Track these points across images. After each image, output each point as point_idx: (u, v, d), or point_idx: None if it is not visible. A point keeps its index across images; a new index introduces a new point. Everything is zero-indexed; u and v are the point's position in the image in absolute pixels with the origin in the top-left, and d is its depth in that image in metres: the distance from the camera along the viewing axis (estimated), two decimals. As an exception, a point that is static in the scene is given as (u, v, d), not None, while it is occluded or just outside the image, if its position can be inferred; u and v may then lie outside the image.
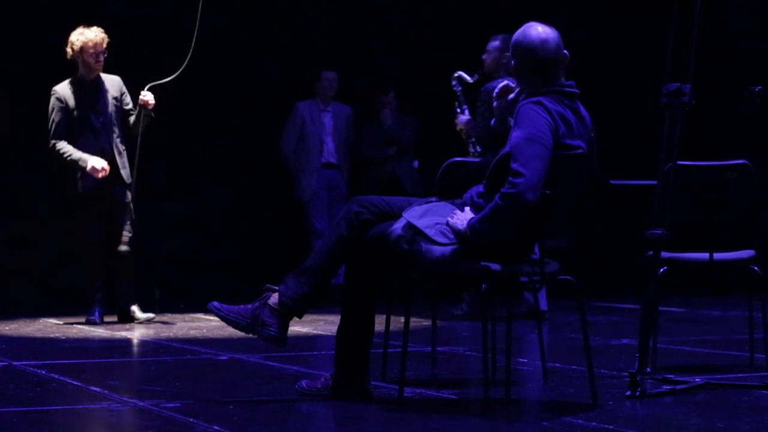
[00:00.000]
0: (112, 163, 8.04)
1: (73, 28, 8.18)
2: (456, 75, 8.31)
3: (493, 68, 8.17)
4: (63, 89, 8.07)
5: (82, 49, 8.01)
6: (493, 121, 4.79)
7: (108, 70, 8.19)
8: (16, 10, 9.88)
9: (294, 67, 10.54)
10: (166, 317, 8.41)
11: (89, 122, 8.03)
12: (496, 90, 4.76)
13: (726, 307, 9.09)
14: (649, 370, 4.76)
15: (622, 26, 11.63)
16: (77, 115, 8.02)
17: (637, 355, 4.73)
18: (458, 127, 8.33)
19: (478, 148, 8.18)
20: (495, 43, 8.20)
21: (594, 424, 4.15)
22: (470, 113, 8.27)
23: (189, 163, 10.31)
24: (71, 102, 8.02)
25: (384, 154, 10.09)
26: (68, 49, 8.06)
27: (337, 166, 10.13)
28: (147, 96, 8.01)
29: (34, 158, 9.84)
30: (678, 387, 4.86)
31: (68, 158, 7.96)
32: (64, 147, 7.96)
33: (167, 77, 8.03)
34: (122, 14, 9.56)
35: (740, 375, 5.40)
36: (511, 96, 4.67)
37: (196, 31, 7.83)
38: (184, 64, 7.86)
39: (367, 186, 9.97)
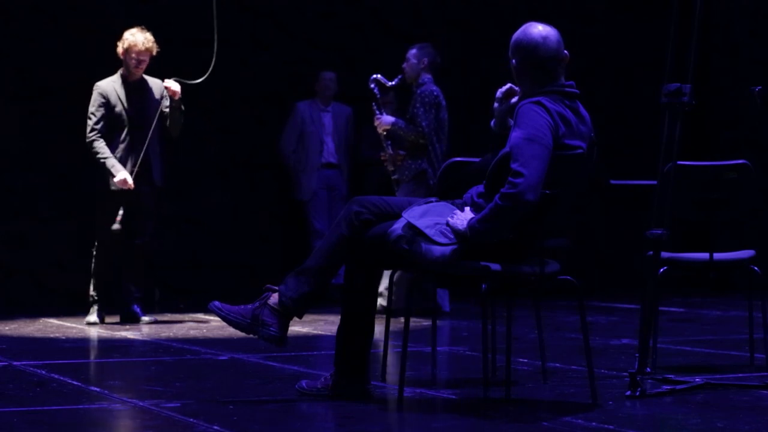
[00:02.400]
0: (144, 163, 8.04)
1: (73, 28, 8.19)
2: (374, 78, 8.52)
3: (413, 75, 8.53)
4: (106, 85, 8.07)
5: (127, 50, 8.04)
6: (493, 122, 4.78)
7: (109, 71, 8.19)
8: (17, 11, 9.88)
9: (294, 67, 10.55)
10: (167, 317, 8.42)
11: (128, 121, 8.03)
12: (500, 92, 4.75)
13: (726, 307, 9.09)
14: (649, 370, 4.76)
15: (622, 26, 11.63)
16: (117, 113, 8.02)
17: (637, 355, 4.73)
18: (382, 128, 8.48)
19: (401, 152, 8.43)
20: (413, 51, 8.59)
21: (594, 424, 4.15)
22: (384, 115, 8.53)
23: (189, 163, 10.31)
24: (113, 98, 8.02)
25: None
26: (119, 45, 8.09)
27: (337, 166, 10.13)
28: (170, 84, 8.01)
29: (34, 158, 9.85)
30: (678, 387, 4.86)
31: (101, 160, 7.94)
32: (101, 148, 7.95)
33: (189, 80, 8.03)
34: (122, 14, 9.56)
35: (740, 375, 5.40)
36: (514, 100, 4.66)
37: (215, 33, 7.83)
38: (210, 68, 7.86)
39: (367, 186, 9.97)
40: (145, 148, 8.02)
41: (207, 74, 7.94)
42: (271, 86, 10.52)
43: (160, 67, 8.23)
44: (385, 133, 8.50)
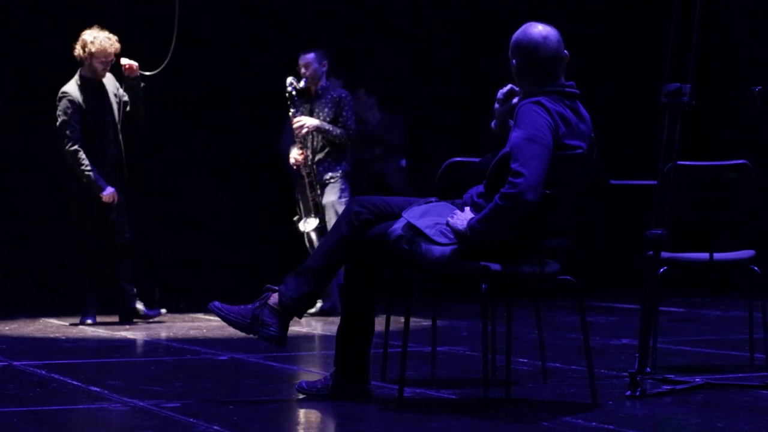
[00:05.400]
0: (115, 162, 8.04)
1: (73, 28, 8.16)
2: (290, 80, 8.64)
3: (317, 79, 8.69)
4: (73, 90, 8.01)
5: (93, 54, 7.98)
6: (493, 123, 4.78)
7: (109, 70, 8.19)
8: (17, 11, 9.87)
9: (294, 67, 10.54)
10: (167, 317, 8.41)
11: (100, 122, 8.01)
12: (500, 93, 4.74)
13: (726, 307, 9.09)
14: (649, 370, 4.76)
15: (622, 26, 11.63)
16: (88, 116, 7.99)
17: (637, 355, 4.73)
18: (306, 128, 8.63)
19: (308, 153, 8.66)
20: (311, 55, 8.72)
21: (594, 424, 4.15)
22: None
23: (189, 163, 10.31)
24: (83, 103, 8.00)
25: (371, 154, 10.09)
26: (79, 48, 8.02)
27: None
28: (127, 60, 8.00)
29: (34, 158, 9.85)
30: (678, 387, 4.86)
31: (85, 172, 7.90)
32: (84, 159, 7.90)
33: (154, 71, 8.05)
34: (122, 14, 9.56)
35: (740, 375, 5.40)
36: (515, 100, 4.66)
37: (175, 28, 7.86)
38: (167, 59, 7.90)
39: (356, 186, 9.95)
40: (119, 146, 8.03)
41: (163, 66, 7.96)
42: (271, 86, 10.52)
43: (159, 67, 8.22)
44: (305, 132, 8.57)
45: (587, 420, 4.21)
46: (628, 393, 4.67)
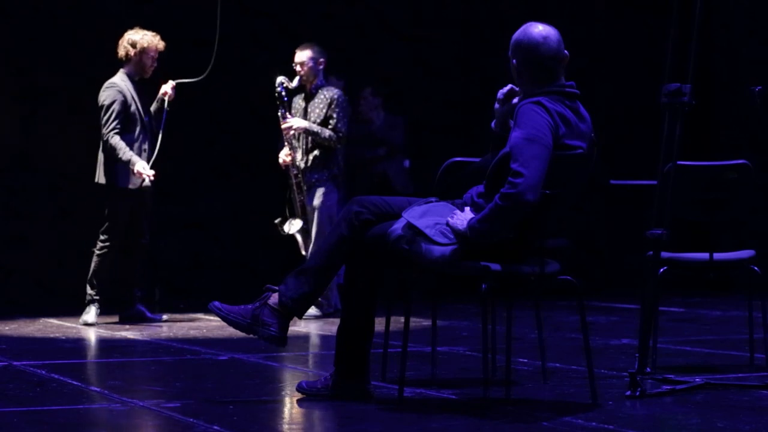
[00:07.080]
0: (150, 160, 8.08)
1: (73, 29, 8.19)
2: (280, 80, 8.64)
3: (312, 77, 8.68)
4: (121, 83, 8.07)
5: (144, 50, 8.06)
6: (493, 123, 4.78)
7: (109, 71, 8.19)
8: (16, 10, 9.88)
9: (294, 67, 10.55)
10: (167, 317, 8.41)
11: (140, 120, 8.07)
12: (501, 93, 4.74)
13: (726, 307, 9.09)
14: (649, 370, 4.76)
15: (622, 26, 11.63)
16: (131, 112, 8.04)
17: (637, 355, 4.73)
18: (294, 130, 8.62)
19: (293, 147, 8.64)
20: (308, 53, 8.69)
21: (594, 424, 4.15)
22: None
23: (189, 164, 10.31)
24: (128, 97, 8.04)
25: (373, 155, 10.09)
26: (127, 46, 8.07)
27: (337, 165, 10.13)
28: (169, 88, 8.12)
29: (34, 158, 9.85)
30: (678, 387, 4.86)
31: (121, 156, 7.92)
32: (119, 144, 7.93)
33: (190, 78, 8.10)
34: (122, 14, 9.56)
35: (740, 375, 5.40)
36: (515, 101, 4.66)
37: (218, 32, 7.90)
38: (210, 64, 7.95)
39: (358, 187, 9.96)
40: (157, 146, 8.07)
41: (207, 72, 7.99)
42: (271, 86, 10.52)
43: (159, 67, 8.23)
44: (294, 134, 8.60)
45: (587, 420, 4.21)
46: (628, 393, 4.67)
